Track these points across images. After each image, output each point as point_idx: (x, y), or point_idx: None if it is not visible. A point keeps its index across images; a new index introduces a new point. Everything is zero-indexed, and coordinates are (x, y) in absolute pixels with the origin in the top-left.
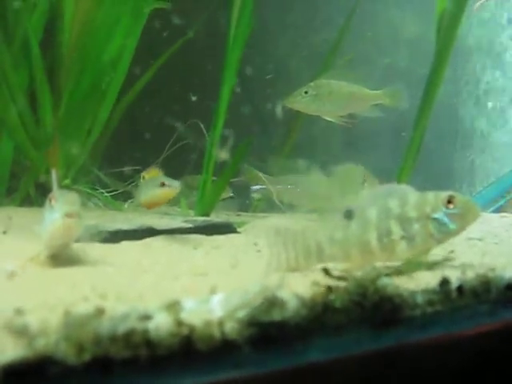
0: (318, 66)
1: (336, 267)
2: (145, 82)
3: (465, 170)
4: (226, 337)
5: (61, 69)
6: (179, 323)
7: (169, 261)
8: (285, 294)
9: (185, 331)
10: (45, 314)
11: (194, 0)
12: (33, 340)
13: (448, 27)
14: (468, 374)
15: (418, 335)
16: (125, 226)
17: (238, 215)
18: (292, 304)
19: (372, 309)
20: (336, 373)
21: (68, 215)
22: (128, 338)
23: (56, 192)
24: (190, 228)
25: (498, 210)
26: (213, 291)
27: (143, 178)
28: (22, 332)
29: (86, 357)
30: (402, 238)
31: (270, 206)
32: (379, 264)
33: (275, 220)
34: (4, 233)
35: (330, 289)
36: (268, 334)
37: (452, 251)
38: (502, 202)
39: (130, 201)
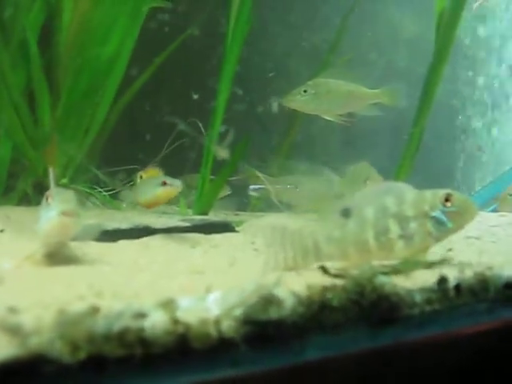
0: (317, 66)
1: (334, 266)
2: (143, 82)
3: (463, 169)
4: (223, 335)
5: (59, 68)
6: (175, 321)
7: (166, 260)
8: (282, 292)
9: (180, 329)
10: (39, 313)
11: None
12: (26, 338)
13: (447, 26)
14: (466, 373)
15: (416, 334)
16: (122, 225)
17: (236, 214)
18: (289, 302)
19: (369, 307)
20: (333, 371)
21: (64, 213)
22: (123, 336)
23: (52, 190)
24: (188, 227)
25: (495, 209)
26: (209, 289)
27: (140, 177)
28: (15, 331)
29: (81, 355)
30: (400, 236)
31: (268, 205)
32: (377, 263)
33: (272, 219)
34: (1, 231)
35: (327, 287)
36: (265, 333)
37: (450, 249)
38: (493, 206)
39: (120, 199)
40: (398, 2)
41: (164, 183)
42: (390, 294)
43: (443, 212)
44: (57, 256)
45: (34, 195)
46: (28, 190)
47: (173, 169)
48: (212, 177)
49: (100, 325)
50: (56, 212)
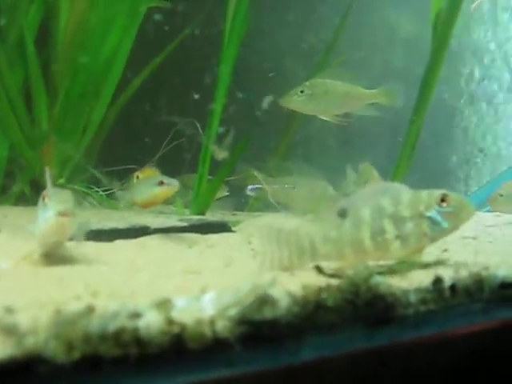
0: (313, 66)
1: (329, 266)
2: (140, 81)
3: (460, 170)
4: (218, 335)
5: (56, 68)
6: (170, 321)
7: (163, 259)
8: (276, 292)
9: (176, 329)
10: (35, 313)
11: None
12: (22, 338)
13: (444, 26)
14: (461, 373)
15: (411, 334)
16: (119, 225)
17: (234, 214)
18: (284, 302)
19: (365, 307)
20: (328, 371)
21: (61, 213)
22: (118, 336)
23: (49, 190)
24: (185, 227)
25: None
26: (204, 290)
27: (137, 177)
28: (11, 330)
29: (76, 355)
30: (396, 236)
31: (265, 205)
32: (372, 263)
33: (269, 219)
34: None
35: (322, 287)
36: (260, 333)
37: (446, 250)
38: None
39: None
40: (394, 2)
41: (161, 183)
42: (385, 294)
43: (439, 212)
44: (54, 256)
45: (31, 195)
46: (25, 190)
47: (170, 169)
48: (209, 177)
49: (95, 325)
50: (53, 212)
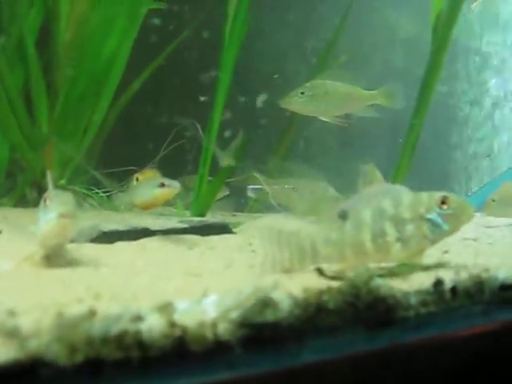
0: (314, 67)
1: (330, 268)
2: (141, 83)
3: (460, 171)
4: (219, 338)
5: (57, 69)
6: (172, 324)
7: (163, 261)
8: (278, 295)
9: (177, 332)
10: (38, 315)
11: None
12: (24, 341)
13: (444, 27)
14: (462, 375)
15: (412, 336)
16: (120, 227)
17: (234, 216)
18: (285, 304)
19: (365, 309)
20: (329, 374)
21: (63, 215)
22: (120, 339)
23: (51, 192)
24: (186, 228)
25: None
26: (206, 292)
27: (137, 179)
28: (13, 333)
29: (78, 358)
30: (397, 238)
31: (266, 206)
32: (373, 265)
33: (269, 220)
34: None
35: (323, 289)
36: (261, 335)
37: (446, 251)
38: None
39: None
40: (394, 3)
41: (162, 184)
42: (386, 296)
43: (439, 214)
44: (55, 258)
45: (32, 196)
46: (26, 191)
47: (170, 170)
48: (210, 178)
49: (97, 328)
50: (54, 214)
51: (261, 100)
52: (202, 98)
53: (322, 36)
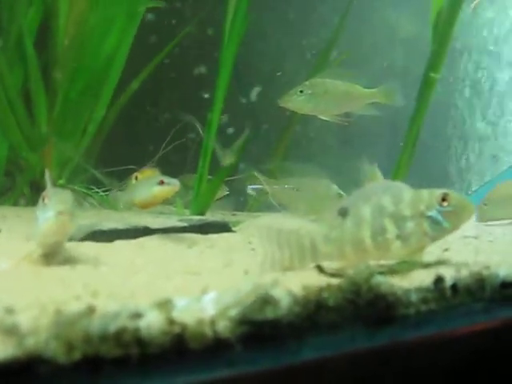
0: (314, 65)
1: (330, 265)
2: (140, 82)
3: (460, 169)
4: (219, 335)
5: (56, 69)
6: (171, 322)
7: (162, 260)
8: (278, 292)
9: (177, 330)
10: (36, 313)
11: None
12: (22, 339)
13: (444, 26)
14: (462, 373)
15: (412, 333)
16: (119, 226)
17: (234, 214)
18: (285, 302)
19: (366, 307)
20: (329, 371)
21: (61, 213)
22: (119, 336)
23: (49, 190)
24: (185, 227)
25: None
26: (205, 290)
27: (136, 178)
28: (11, 331)
29: (76, 356)
30: (397, 236)
31: (266, 205)
32: (373, 262)
33: (269, 219)
34: None
35: (323, 287)
36: (261, 333)
37: (447, 249)
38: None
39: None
40: (394, 2)
41: (161, 182)
42: (386, 293)
43: (440, 212)
44: (53, 256)
45: (31, 195)
46: (25, 190)
47: (170, 169)
48: (209, 177)
49: (96, 325)
50: (53, 212)
51: (255, 93)
52: (197, 96)
53: (323, 35)
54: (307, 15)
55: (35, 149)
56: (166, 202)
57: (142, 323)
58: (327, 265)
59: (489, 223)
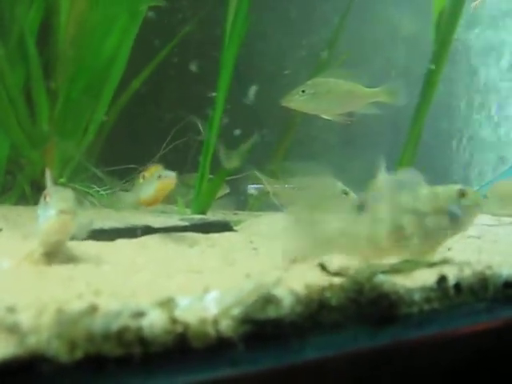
0: (316, 65)
1: (337, 262)
2: (142, 81)
3: (461, 168)
4: (221, 334)
5: (57, 67)
6: (173, 321)
7: (164, 259)
8: (280, 291)
9: (179, 329)
10: (37, 312)
11: None
12: (24, 337)
13: (446, 25)
14: (464, 372)
15: (415, 333)
16: (120, 224)
17: (235, 214)
18: (287, 301)
19: (368, 306)
20: (332, 371)
21: (62, 212)
22: (121, 335)
23: (51, 189)
24: (186, 226)
25: None
26: (207, 289)
27: (143, 177)
28: (13, 329)
29: (78, 354)
30: (415, 231)
31: (267, 204)
32: (376, 261)
33: (269, 218)
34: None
35: (325, 286)
36: (263, 332)
37: (450, 249)
38: None
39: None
40: (396, 1)
41: (159, 176)
42: (389, 292)
43: (458, 207)
44: (55, 255)
45: (32, 194)
46: (26, 189)
47: (171, 168)
48: (210, 176)
49: (98, 324)
50: (54, 211)
51: (252, 92)
52: (199, 96)
53: (324, 35)
54: (308, 15)
55: (36, 147)
56: (168, 201)
57: (145, 322)
58: (335, 261)
59: (491, 223)
